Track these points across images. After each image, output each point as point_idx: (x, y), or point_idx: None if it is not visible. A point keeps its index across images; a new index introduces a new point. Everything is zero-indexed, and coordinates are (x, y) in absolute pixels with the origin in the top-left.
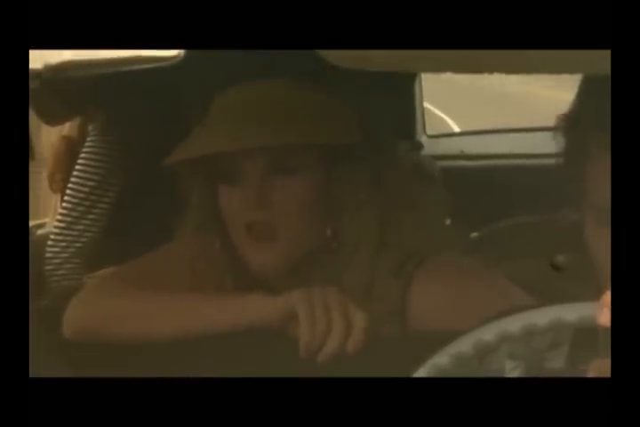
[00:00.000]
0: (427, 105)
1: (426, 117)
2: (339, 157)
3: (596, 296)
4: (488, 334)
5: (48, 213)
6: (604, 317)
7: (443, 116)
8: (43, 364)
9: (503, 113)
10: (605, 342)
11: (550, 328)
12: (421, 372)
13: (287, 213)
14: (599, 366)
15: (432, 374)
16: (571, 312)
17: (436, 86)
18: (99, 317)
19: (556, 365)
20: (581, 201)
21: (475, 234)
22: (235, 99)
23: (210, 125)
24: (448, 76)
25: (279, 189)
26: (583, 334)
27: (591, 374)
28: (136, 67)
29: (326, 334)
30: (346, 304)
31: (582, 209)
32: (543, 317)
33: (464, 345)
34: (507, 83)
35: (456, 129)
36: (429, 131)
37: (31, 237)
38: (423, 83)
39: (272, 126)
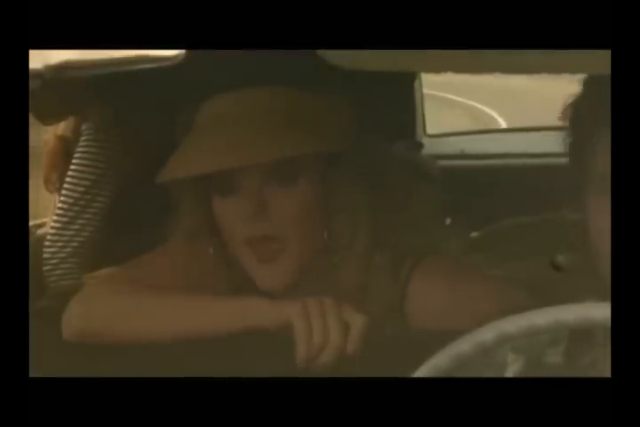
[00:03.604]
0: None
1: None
2: (337, 158)
3: (594, 296)
4: (488, 334)
5: (48, 213)
6: None
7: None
8: (43, 364)
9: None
10: (604, 340)
11: (549, 329)
12: (421, 372)
13: (289, 224)
14: (595, 364)
15: (432, 375)
16: (570, 313)
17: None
18: (97, 318)
19: (556, 360)
20: (585, 173)
21: (475, 234)
22: (223, 109)
23: (200, 141)
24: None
25: (279, 201)
26: (582, 331)
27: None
28: (136, 67)
29: (323, 347)
30: (342, 313)
31: (585, 181)
32: (542, 318)
33: (464, 346)
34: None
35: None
36: (431, 130)
37: (31, 237)
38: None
39: (267, 140)
